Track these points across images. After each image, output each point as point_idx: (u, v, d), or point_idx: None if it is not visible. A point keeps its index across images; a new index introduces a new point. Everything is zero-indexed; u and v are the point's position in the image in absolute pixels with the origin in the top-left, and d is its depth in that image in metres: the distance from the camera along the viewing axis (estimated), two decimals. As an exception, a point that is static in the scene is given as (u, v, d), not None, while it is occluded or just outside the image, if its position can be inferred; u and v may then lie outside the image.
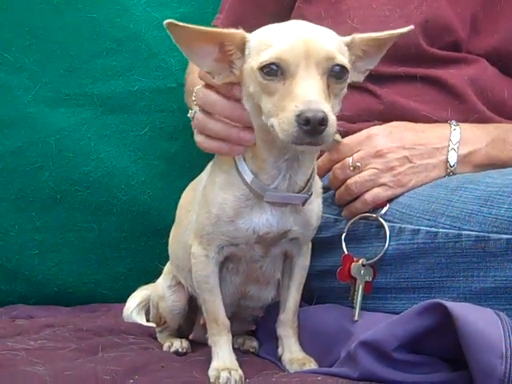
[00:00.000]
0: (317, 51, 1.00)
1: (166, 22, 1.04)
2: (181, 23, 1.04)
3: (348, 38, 1.09)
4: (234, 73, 1.09)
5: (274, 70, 1.00)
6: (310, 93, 0.97)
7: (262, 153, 1.11)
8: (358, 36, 1.10)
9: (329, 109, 0.97)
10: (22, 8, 1.73)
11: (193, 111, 1.20)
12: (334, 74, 1.01)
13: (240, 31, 1.07)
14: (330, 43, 1.02)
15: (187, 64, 1.64)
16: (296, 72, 0.99)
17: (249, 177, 1.12)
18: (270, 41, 1.02)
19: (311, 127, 0.95)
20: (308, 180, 1.14)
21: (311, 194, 1.15)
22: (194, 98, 1.19)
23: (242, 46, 1.07)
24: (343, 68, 1.02)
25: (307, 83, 0.98)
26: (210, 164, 1.23)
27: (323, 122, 0.95)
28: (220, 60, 1.09)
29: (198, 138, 1.20)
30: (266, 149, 1.10)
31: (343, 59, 1.02)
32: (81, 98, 1.75)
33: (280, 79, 1.00)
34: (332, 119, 0.96)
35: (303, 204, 1.14)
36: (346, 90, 1.07)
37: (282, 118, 0.98)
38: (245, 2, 1.58)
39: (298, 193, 1.13)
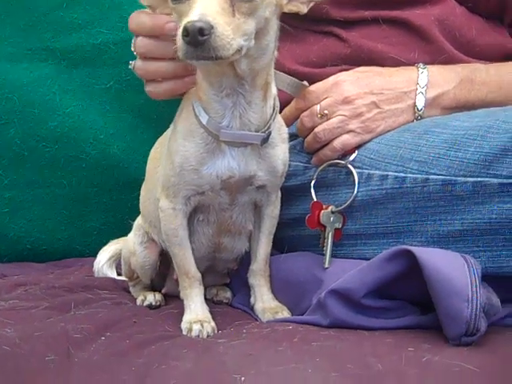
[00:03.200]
0: None
1: None
2: None
3: None
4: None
5: None
6: (200, 7, 0.97)
7: (203, 84, 1.12)
8: None
9: (220, 22, 0.96)
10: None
11: (132, 62, 1.20)
12: None
13: None
14: None
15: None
16: None
17: (204, 117, 1.12)
18: None
19: (190, 37, 0.95)
20: (267, 121, 1.14)
21: (269, 134, 1.14)
22: (133, 49, 1.19)
23: None
24: None
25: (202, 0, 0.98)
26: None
27: (203, 31, 0.94)
28: None
29: (148, 88, 1.21)
30: (205, 78, 1.11)
31: None
32: (43, 53, 1.70)
33: (185, 1, 1.01)
34: (220, 31, 0.95)
35: (262, 143, 1.14)
36: (266, 12, 1.03)
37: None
38: None
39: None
